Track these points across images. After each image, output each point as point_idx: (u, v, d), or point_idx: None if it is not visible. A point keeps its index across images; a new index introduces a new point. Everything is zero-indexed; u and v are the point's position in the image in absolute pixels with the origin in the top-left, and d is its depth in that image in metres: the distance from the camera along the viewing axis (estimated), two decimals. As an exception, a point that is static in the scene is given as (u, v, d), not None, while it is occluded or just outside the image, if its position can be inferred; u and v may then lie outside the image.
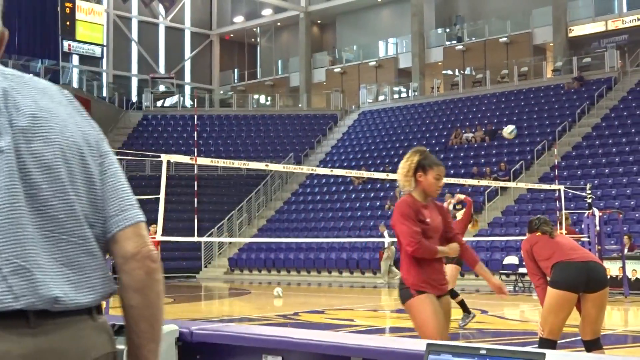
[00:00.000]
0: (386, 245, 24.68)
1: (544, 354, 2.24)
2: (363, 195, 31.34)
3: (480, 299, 18.81)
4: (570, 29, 36.43)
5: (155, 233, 20.31)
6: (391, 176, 15.62)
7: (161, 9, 47.51)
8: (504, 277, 21.40)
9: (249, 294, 21.49)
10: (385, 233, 24.19)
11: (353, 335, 3.12)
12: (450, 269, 11.87)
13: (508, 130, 17.23)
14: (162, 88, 45.19)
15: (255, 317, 14.49)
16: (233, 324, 3.61)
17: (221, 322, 3.68)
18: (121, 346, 3.63)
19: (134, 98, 43.88)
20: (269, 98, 45.22)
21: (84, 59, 41.32)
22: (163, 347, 3.70)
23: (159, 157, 10.40)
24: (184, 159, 11.21)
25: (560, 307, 6.06)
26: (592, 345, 6.23)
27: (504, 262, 22.34)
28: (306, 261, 27.97)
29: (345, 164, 33.73)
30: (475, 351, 2.40)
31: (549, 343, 6.13)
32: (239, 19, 49.46)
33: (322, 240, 27.34)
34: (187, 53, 49.27)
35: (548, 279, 6.31)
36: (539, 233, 6.46)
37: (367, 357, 2.86)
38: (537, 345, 6.41)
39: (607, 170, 26.20)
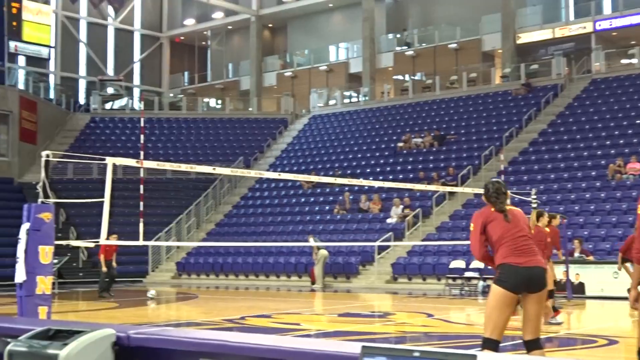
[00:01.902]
0: (315, 250, 24.72)
1: (475, 356, 2.25)
2: (312, 199, 31.36)
3: (427, 302, 18.95)
4: (518, 36, 36.94)
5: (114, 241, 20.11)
6: (339, 180, 15.66)
7: (110, 11, 47.00)
8: (450, 280, 21.58)
9: (196, 299, 21.34)
10: (312, 240, 24.27)
11: (289, 338, 3.10)
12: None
13: None
14: (110, 90, 44.66)
15: (202, 322, 14.39)
16: (171, 328, 3.58)
17: (160, 327, 3.65)
18: (56, 351, 3.56)
19: (82, 100, 43.32)
20: (219, 101, 45.05)
21: (31, 60, 40.67)
22: (99, 352, 3.67)
23: (105, 160, 10.26)
24: (130, 162, 11.08)
25: (503, 305, 6.19)
26: (533, 345, 6.32)
27: (451, 266, 22.52)
28: (254, 265, 27.88)
29: (296, 168, 33.72)
30: (409, 353, 2.41)
31: (491, 343, 6.20)
32: (189, 21, 49.18)
33: (271, 244, 27.28)
34: (137, 55, 48.81)
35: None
36: (493, 209, 6.49)
37: (303, 360, 2.85)
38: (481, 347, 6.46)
39: (552, 176, 26.61)
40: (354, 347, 2.67)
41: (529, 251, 6.33)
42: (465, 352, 2.34)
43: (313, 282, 24.77)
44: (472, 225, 6.56)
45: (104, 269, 20.92)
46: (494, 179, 6.92)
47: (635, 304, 5.53)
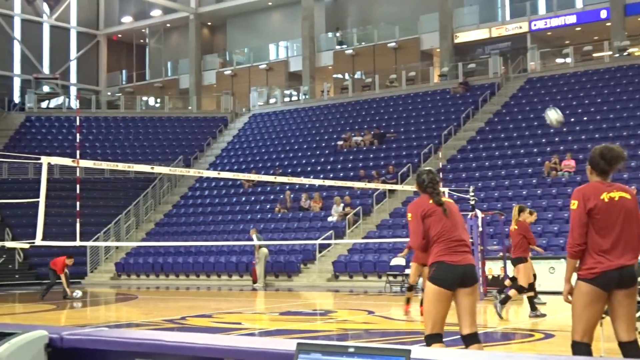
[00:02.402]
0: (257, 249, 24.69)
1: (409, 350, 2.27)
2: (253, 198, 31.27)
3: (368, 299, 19.06)
4: (456, 36, 37.38)
5: (69, 264, 20.19)
6: (280, 179, 15.65)
7: (45, 8, 46.14)
8: (391, 278, 21.73)
9: (136, 299, 21.11)
10: (255, 237, 24.22)
11: (225, 336, 3.09)
12: None
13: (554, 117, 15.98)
14: (46, 89, 43.88)
15: (142, 322, 14.24)
16: (105, 329, 3.53)
17: (94, 328, 3.60)
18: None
19: (17, 99, 42.46)
20: (158, 100, 44.60)
21: (-37, 57, 39.78)
22: (31, 354, 3.59)
23: (40, 159, 10.08)
24: (66, 161, 10.91)
25: (439, 302, 6.29)
26: (471, 339, 6.39)
27: (391, 264, 22.66)
28: (195, 265, 27.69)
29: (236, 167, 33.59)
30: (344, 349, 2.41)
31: (434, 337, 6.27)
32: (127, 19, 48.58)
33: (211, 243, 27.13)
34: (73, 53, 48.02)
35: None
36: (431, 201, 6.49)
37: (239, 358, 2.83)
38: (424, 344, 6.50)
39: (490, 173, 26.99)
40: (290, 344, 2.67)
41: (463, 250, 6.42)
42: (399, 347, 2.36)
43: (255, 281, 24.72)
44: (409, 215, 6.50)
45: (65, 284, 20.87)
46: (426, 168, 6.83)
47: (567, 297, 5.63)
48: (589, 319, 5.49)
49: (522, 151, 27.74)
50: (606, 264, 5.41)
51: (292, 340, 2.71)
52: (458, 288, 6.31)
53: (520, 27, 36.08)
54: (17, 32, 45.38)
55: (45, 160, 9.92)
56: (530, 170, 26.20)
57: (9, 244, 18.67)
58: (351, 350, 2.40)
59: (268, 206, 30.04)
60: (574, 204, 5.53)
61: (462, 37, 37.43)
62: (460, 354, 2.74)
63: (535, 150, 27.47)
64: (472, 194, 18.45)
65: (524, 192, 24.86)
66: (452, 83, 34.90)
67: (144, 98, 44.09)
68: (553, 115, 12.71)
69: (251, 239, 24.41)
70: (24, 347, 3.38)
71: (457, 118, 31.55)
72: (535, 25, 35.77)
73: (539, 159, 26.58)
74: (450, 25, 37.29)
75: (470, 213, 17.96)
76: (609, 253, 5.43)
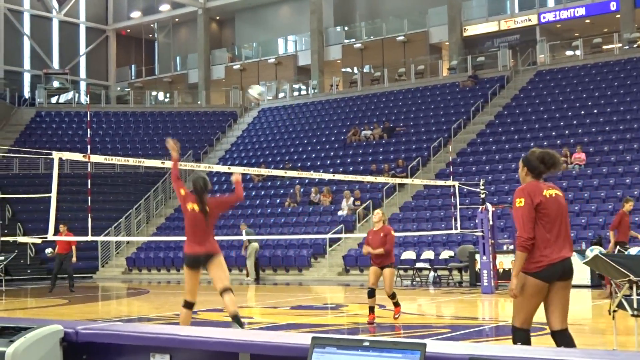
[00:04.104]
0: (246, 244, 24.81)
1: (424, 344, 2.27)
2: (263, 192, 31.30)
3: (379, 293, 19.03)
4: (464, 29, 37.29)
5: (63, 232, 19.93)
6: (289, 173, 15.64)
7: (55, 3, 46.22)
8: (401, 271, 21.74)
9: (147, 294, 21.17)
10: (244, 232, 24.32)
11: (240, 331, 3.11)
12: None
13: (257, 92, 15.99)
14: (56, 84, 43.98)
15: (154, 317, 14.29)
16: (120, 323, 3.54)
17: (109, 322, 3.61)
18: (2, 348, 3.51)
19: (27, 94, 42.60)
20: (168, 95, 44.65)
21: (-27, 53, 39.88)
22: (46, 348, 3.62)
23: (51, 154, 10.12)
24: (77, 156, 10.94)
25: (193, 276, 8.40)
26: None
27: (402, 258, 22.68)
28: (206, 259, 27.71)
29: (245, 162, 33.62)
30: (359, 343, 2.42)
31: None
32: (135, 14, 48.64)
33: (221, 238, 27.12)
34: (82, 48, 48.11)
35: None
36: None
37: (254, 352, 2.85)
38: (436, 338, 6.54)
39: (500, 167, 26.94)
40: (305, 338, 2.68)
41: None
42: (414, 341, 2.37)
43: (246, 275, 25.10)
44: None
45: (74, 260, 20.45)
46: (200, 175, 8.50)
47: (513, 291, 5.75)
48: (530, 310, 5.80)
49: (532, 144, 27.58)
50: (551, 257, 5.68)
51: (307, 334, 2.72)
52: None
53: (529, 20, 35.97)
54: (26, 28, 45.48)
55: (56, 155, 9.95)
56: (540, 163, 26.09)
57: (21, 239, 18.68)
58: (366, 344, 2.41)
59: (278, 200, 30.07)
60: (520, 202, 5.75)
61: (471, 30, 37.35)
62: (475, 346, 2.74)
63: (545, 143, 27.36)
64: (482, 187, 18.42)
65: (534, 185, 24.76)
66: (461, 76, 34.83)
67: (153, 93, 44.18)
68: (254, 92, 13.26)
69: (248, 234, 24.51)
70: (40, 341, 3.40)
71: (467, 111, 31.49)
72: (544, 17, 35.65)
73: (549, 152, 26.47)
74: (459, 18, 37.20)
75: (480, 206, 17.94)
76: (553, 246, 5.71)
